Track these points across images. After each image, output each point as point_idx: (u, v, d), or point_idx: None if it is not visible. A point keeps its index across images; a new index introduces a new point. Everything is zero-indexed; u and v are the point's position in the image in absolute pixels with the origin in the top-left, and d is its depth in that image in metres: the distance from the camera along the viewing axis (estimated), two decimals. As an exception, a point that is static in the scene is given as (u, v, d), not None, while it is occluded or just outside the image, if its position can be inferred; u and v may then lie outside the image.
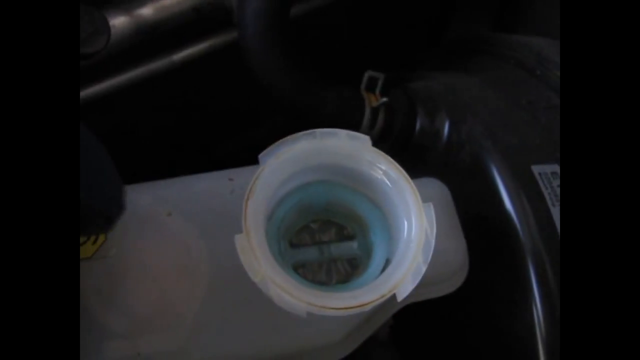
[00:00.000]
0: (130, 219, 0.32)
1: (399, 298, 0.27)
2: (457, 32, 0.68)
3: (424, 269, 0.28)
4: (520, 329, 0.35)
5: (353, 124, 0.46)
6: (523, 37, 0.50)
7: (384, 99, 0.46)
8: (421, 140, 0.46)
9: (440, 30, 0.70)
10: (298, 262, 0.33)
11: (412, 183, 0.30)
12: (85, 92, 0.46)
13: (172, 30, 0.46)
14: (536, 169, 0.38)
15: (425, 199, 0.29)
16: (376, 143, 0.31)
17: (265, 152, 0.30)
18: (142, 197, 0.33)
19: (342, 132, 0.31)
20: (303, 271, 0.33)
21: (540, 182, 0.37)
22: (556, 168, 0.38)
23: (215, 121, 0.60)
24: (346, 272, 0.34)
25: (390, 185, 0.30)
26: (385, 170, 0.30)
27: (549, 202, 0.36)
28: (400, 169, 0.30)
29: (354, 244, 0.34)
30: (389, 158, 0.30)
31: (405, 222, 0.29)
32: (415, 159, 0.45)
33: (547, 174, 0.37)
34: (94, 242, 0.31)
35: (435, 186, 0.36)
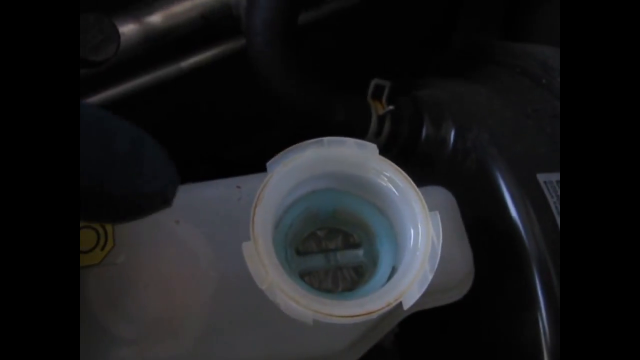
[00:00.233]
0: (138, 226, 0.32)
1: (405, 306, 0.28)
2: (463, 41, 0.69)
3: (430, 277, 0.28)
4: (525, 337, 0.35)
5: (359, 132, 0.46)
6: (528, 46, 0.50)
7: (390, 107, 0.46)
8: (427, 148, 0.46)
9: (445, 39, 0.70)
10: (304, 270, 0.33)
11: (419, 191, 0.30)
12: (95, 99, 0.46)
13: (181, 38, 0.47)
14: (542, 178, 0.38)
15: (431, 208, 0.29)
16: (382, 151, 0.31)
17: (273, 159, 0.30)
18: (150, 204, 0.33)
19: (350, 141, 0.31)
20: (309, 279, 0.33)
21: (545, 190, 0.37)
22: (561, 176, 0.38)
23: (222, 127, 0.60)
24: (352, 279, 0.34)
25: (397, 193, 0.30)
26: (392, 179, 0.30)
27: (554, 211, 0.36)
28: (407, 177, 0.30)
29: (360, 252, 0.34)
30: (396, 166, 0.31)
31: (412, 230, 0.29)
32: (421, 166, 0.45)
33: (553, 183, 0.37)
34: (102, 248, 0.31)
35: (442, 194, 0.36)
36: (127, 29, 0.44)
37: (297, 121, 0.45)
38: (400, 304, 0.28)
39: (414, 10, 0.66)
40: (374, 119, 0.46)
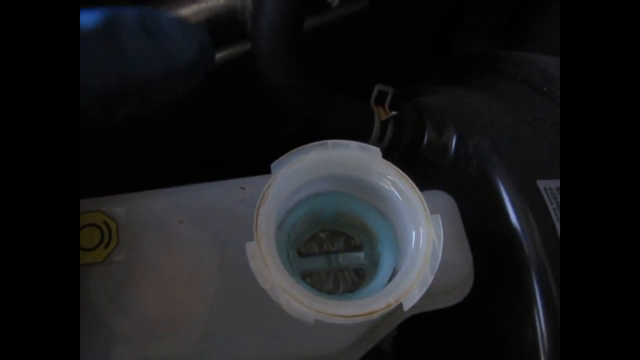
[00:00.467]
0: (142, 225, 0.33)
1: (406, 308, 0.28)
2: (465, 49, 0.69)
3: (430, 279, 0.28)
4: (523, 341, 0.36)
5: (362, 136, 0.46)
6: (529, 55, 0.50)
7: (393, 113, 0.47)
8: (429, 154, 0.46)
9: (448, 47, 0.71)
10: (306, 271, 0.34)
11: (421, 195, 0.30)
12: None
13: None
14: (541, 184, 0.38)
15: (433, 211, 0.30)
16: (385, 155, 0.32)
17: (277, 161, 0.30)
18: (154, 204, 0.33)
19: (354, 144, 0.31)
20: (311, 280, 0.34)
21: (545, 197, 0.38)
22: (561, 184, 0.38)
23: (228, 129, 0.61)
24: (353, 281, 0.34)
25: (399, 196, 0.31)
26: (394, 182, 0.31)
27: (554, 217, 0.37)
28: (410, 181, 0.31)
29: (361, 255, 0.35)
30: (399, 170, 0.31)
31: (413, 233, 0.30)
32: (422, 171, 0.46)
33: (552, 189, 0.38)
34: (106, 246, 0.31)
35: (443, 198, 0.36)
36: (136, 31, 0.44)
37: (302, 124, 0.46)
38: (400, 306, 0.28)
39: (418, 18, 0.67)
40: (376, 124, 0.46)
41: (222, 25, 0.48)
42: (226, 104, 0.59)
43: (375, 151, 0.31)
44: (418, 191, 0.30)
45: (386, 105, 0.48)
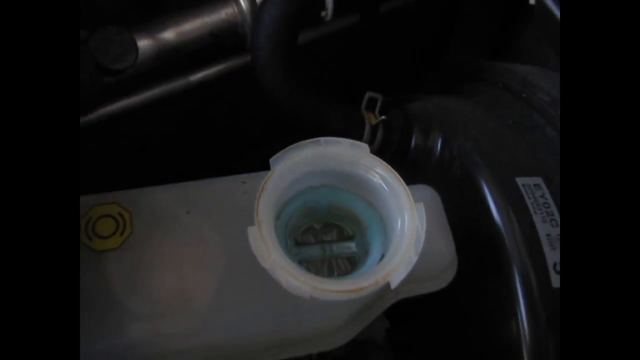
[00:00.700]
0: (153, 215, 0.36)
1: (393, 285, 0.31)
2: (452, 60, 0.73)
3: (414, 260, 0.31)
4: (506, 335, 0.38)
5: (354, 139, 0.49)
6: (510, 64, 0.54)
7: (382, 117, 0.50)
8: (416, 156, 0.49)
9: (436, 59, 0.75)
10: (303, 259, 0.36)
11: (405, 185, 0.33)
12: (110, 108, 0.49)
13: (191, 53, 0.50)
14: (520, 181, 0.41)
15: (417, 200, 0.33)
16: (375, 157, 0.35)
17: (275, 156, 0.33)
18: (163, 197, 0.36)
19: (345, 141, 0.34)
20: (307, 266, 0.36)
21: (524, 192, 0.40)
22: (538, 180, 0.41)
23: (228, 138, 0.63)
24: (346, 268, 0.37)
25: (386, 187, 0.34)
26: (382, 175, 0.34)
27: (532, 211, 0.39)
28: (395, 173, 0.34)
29: (352, 244, 0.37)
30: (385, 163, 0.34)
31: (399, 221, 0.33)
32: (410, 171, 0.48)
33: (530, 186, 0.41)
34: (122, 234, 0.34)
35: (427, 191, 0.39)
36: (142, 43, 0.47)
37: (297, 129, 0.49)
38: (389, 285, 0.31)
39: (408, 32, 0.70)
40: (367, 128, 0.50)
41: (223, 39, 0.51)
42: (226, 114, 0.61)
43: (364, 147, 0.35)
44: (402, 182, 0.33)
45: (376, 111, 0.51)
